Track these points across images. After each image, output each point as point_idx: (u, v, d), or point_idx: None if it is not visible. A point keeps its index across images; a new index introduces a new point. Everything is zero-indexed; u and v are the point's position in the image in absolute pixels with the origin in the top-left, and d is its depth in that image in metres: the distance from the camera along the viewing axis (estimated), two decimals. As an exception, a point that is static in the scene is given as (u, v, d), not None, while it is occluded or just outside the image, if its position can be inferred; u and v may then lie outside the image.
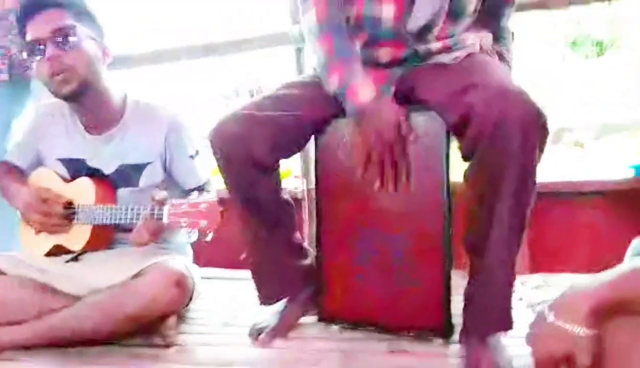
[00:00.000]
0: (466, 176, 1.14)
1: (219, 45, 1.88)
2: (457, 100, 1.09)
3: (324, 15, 1.20)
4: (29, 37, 1.34)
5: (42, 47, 1.32)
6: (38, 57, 1.33)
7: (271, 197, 1.29)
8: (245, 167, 1.20)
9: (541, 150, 1.07)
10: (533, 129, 1.03)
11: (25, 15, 1.35)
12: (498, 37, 1.38)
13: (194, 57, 1.89)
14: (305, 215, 1.89)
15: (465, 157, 1.12)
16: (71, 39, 1.33)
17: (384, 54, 1.26)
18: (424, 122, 1.23)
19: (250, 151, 1.19)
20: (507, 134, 1.02)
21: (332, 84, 1.18)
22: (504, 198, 1.07)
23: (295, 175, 1.93)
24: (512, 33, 1.42)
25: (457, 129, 1.12)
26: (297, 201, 1.88)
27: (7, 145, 1.72)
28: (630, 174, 1.75)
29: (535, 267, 1.74)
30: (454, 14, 1.24)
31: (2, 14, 1.70)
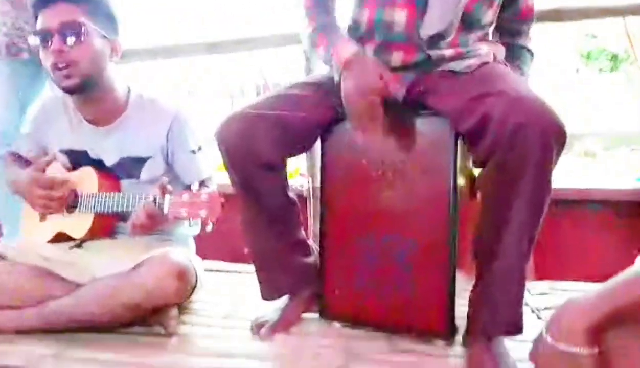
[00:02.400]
0: (479, 181, 1.14)
1: (227, 44, 1.89)
2: (473, 107, 1.09)
3: (314, 3, 1.30)
4: (38, 25, 1.36)
5: (49, 37, 1.33)
6: (44, 46, 1.35)
7: (276, 194, 1.29)
8: (251, 164, 1.21)
9: (557, 158, 1.06)
10: (551, 136, 1.02)
11: (39, 4, 1.37)
12: (513, 56, 1.36)
13: (201, 53, 1.90)
14: (309, 213, 1.88)
15: (480, 163, 1.11)
16: (78, 34, 1.34)
17: (396, 58, 1.26)
18: (431, 126, 1.23)
19: (255, 148, 1.19)
20: (526, 141, 1.01)
21: (320, 55, 1.24)
22: (519, 204, 1.07)
23: (301, 173, 1.92)
24: (531, 52, 1.38)
25: (472, 136, 1.11)
26: (302, 199, 1.87)
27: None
28: (637, 185, 1.73)
29: (542, 274, 1.72)
30: (467, 23, 1.24)
31: None
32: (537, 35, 1.43)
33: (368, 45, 1.28)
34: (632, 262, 1.09)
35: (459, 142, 1.22)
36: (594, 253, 1.78)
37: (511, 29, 1.37)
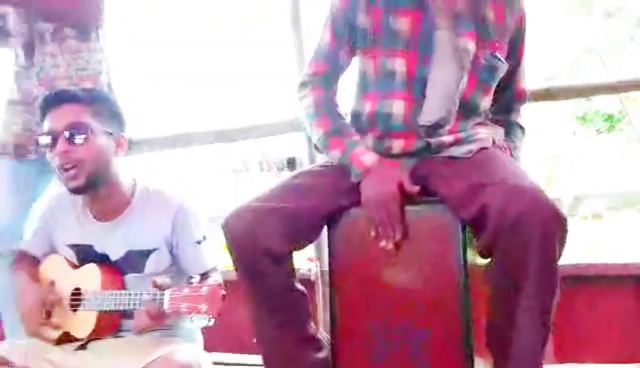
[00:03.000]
0: (486, 273, 1.13)
1: (234, 131, 1.94)
2: (473, 197, 1.11)
3: (320, 101, 1.32)
4: (45, 127, 1.40)
5: (55, 139, 1.36)
6: (51, 148, 1.38)
7: (283, 287, 1.27)
8: (258, 258, 1.20)
9: (562, 246, 1.07)
10: (552, 225, 1.04)
11: (46, 106, 1.41)
12: (507, 132, 1.41)
13: (207, 142, 1.94)
14: (319, 299, 1.84)
15: (484, 255, 1.11)
16: (83, 134, 1.37)
17: (396, 146, 1.29)
18: (437, 213, 1.24)
19: (262, 242, 1.19)
20: (526, 232, 1.03)
21: (335, 157, 1.28)
22: (527, 296, 1.07)
23: (308, 258, 1.90)
24: (523, 128, 1.44)
25: (474, 226, 1.13)
26: (311, 283, 1.84)
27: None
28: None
29: (563, 356, 1.65)
30: (465, 111, 1.28)
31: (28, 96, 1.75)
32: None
33: (369, 135, 1.32)
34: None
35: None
36: (614, 331, 1.72)
37: (505, 107, 1.43)
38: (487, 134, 1.31)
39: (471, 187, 1.12)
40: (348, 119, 1.38)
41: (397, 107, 1.26)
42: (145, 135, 2.00)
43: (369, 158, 1.24)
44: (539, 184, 1.09)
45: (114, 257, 1.44)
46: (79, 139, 1.36)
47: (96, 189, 1.42)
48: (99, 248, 1.45)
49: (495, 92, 1.38)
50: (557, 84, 1.78)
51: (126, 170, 1.50)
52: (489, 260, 1.15)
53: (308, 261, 1.91)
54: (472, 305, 1.21)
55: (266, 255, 1.20)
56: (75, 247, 1.48)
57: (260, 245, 1.19)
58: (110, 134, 1.43)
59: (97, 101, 1.43)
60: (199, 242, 1.46)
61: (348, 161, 1.25)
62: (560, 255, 1.08)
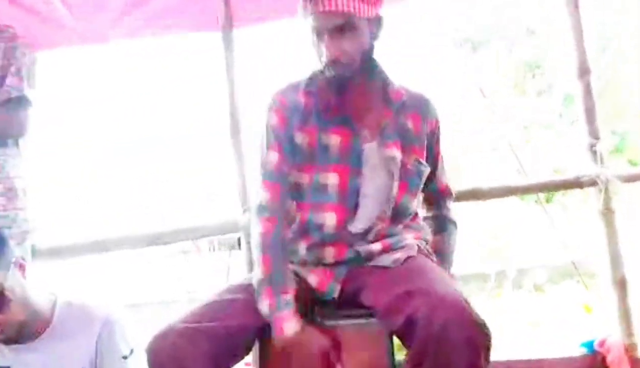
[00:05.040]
0: None
1: (168, 234, 1.91)
2: (400, 307, 1.13)
3: (268, 237, 1.29)
4: None
5: None
6: None
7: None
8: None
9: (487, 350, 1.10)
10: (475, 333, 1.07)
11: None
12: (440, 227, 1.48)
13: (143, 246, 1.90)
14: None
15: (415, 366, 1.12)
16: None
17: (328, 254, 1.33)
18: (367, 327, 1.26)
19: (189, 367, 1.14)
20: (452, 340, 1.06)
21: (262, 307, 1.24)
22: None
23: (245, 363, 1.84)
24: (455, 223, 1.51)
25: (403, 337, 1.15)
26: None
27: None
28: (582, 352, 1.75)
29: None
30: (397, 215, 1.35)
31: None
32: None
33: (302, 242, 1.34)
34: None
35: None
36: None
37: (435, 203, 1.51)
38: (413, 239, 1.36)
39: (397, 297, 1.15)
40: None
41: (330, 219, 1.31)
42: (74, 240, 1.93)
43: (290, 328, 1.21)
44: (462, 292, 1.14)
45: None
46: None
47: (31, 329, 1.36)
48: None
49: (423, 190, 1.45)
50: (482, 186, 1.88)
51: (43, 286, 1.45)
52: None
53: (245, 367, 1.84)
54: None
55: None
56: None
57: None
58: (12, 264, 1.33)
59: None
60: (125, 357, 1.41)
61: (272, 320, 1.22)
62: (487, 359, 1.10)
